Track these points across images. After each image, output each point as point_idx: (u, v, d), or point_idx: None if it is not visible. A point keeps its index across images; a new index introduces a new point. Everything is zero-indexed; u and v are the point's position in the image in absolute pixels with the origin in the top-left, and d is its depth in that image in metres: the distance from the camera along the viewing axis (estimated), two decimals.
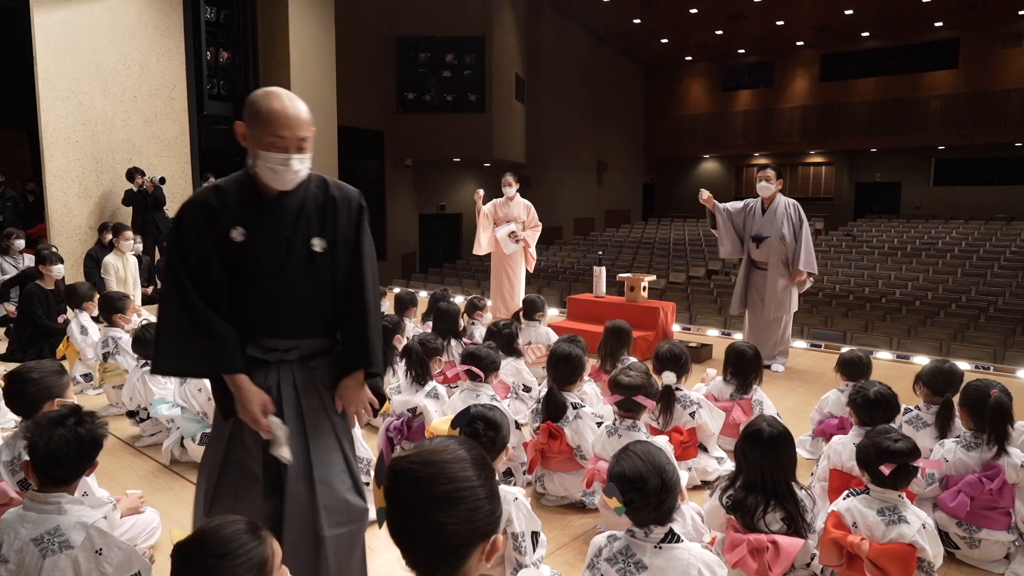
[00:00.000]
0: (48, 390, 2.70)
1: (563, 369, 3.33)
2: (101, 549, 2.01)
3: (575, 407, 3.21)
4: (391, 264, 16.34)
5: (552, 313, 7.91)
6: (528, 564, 2.24)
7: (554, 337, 5.28)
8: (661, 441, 2.87)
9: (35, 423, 2.14)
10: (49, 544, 1.98)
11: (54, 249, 6.37)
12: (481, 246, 7.31)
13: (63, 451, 2.06)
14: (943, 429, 3.13)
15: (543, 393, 3.41)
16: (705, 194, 5.74)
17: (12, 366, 5.51)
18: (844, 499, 2.41)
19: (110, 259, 7.01)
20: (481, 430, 2.32)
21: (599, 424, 3.17)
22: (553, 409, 3.22)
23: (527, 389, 4.38)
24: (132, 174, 8.68)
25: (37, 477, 2.09)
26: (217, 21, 10.56)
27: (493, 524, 1.17)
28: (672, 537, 1.93)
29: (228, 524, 1.53)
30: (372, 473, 3.13)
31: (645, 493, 1.90)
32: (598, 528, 3.01)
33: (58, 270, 6.05)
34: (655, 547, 1.91)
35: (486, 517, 1.14)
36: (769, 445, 2.35)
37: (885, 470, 2.27)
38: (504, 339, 4.46)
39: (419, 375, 3.70)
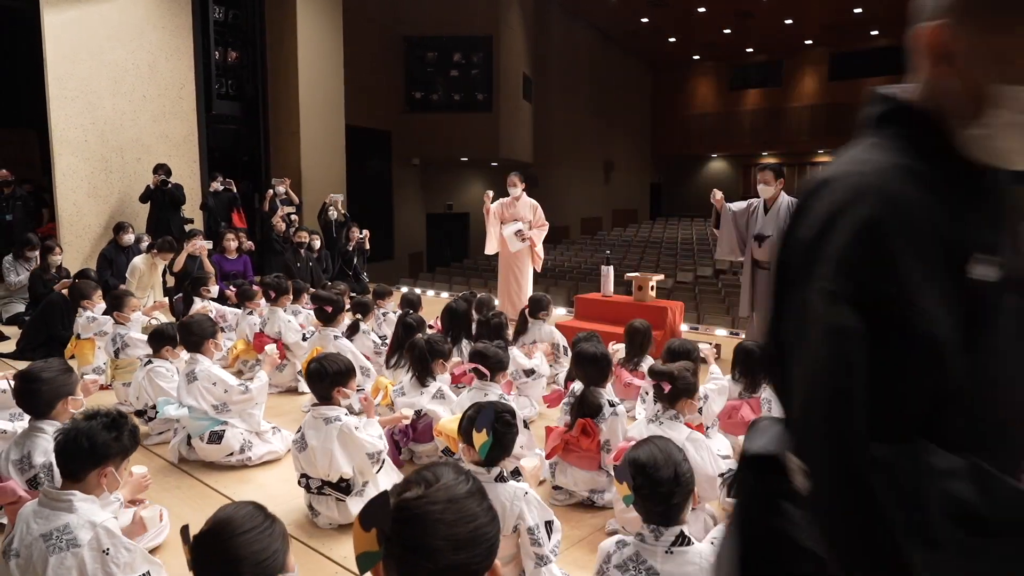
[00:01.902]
0: (59, 389, 2.72)
1: (593, 370, 3.32)
2: (108, 549, 2.01)
3: (612, 404, 3.22)
4: (398, 263, 16.36)
5: (559, 312, 7.89)
6: (546, 553, 2.24)
7: (559, 336, 5.27)
8: (710, 442, 2.91)
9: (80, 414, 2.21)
10: (57, 541, 1.98)
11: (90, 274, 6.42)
12: (491, 246, 7.33)
13: (76, 446, 2.10)
14: None
15: (577, 388, 3.39)
16: (718, 195, 5.75)
17: (22, 364, 5.56)
18: None
19: (140, 263, 6.89)
20: (510, 419, 2.35)
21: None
22: (588, 410, 3.21)
23: (529, 373, 4.37)
24: (157, 169, 8.66)
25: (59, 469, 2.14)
26: (225, 21, 10.59)
27: (496, 552, 1.14)
28: (683, 540, 1.89)
29: (241, 506, 1.65)
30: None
31: (655, 481, 1.88)
32: (607, 527, 3.00)
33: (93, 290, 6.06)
34: (666, 552, 1.88)
35: (496, 545, 1.12)
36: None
37: None
38: (492, 329, 4.46)
39: (421, 375, 3.70)
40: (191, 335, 3.82)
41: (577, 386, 3.40)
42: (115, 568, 2.01)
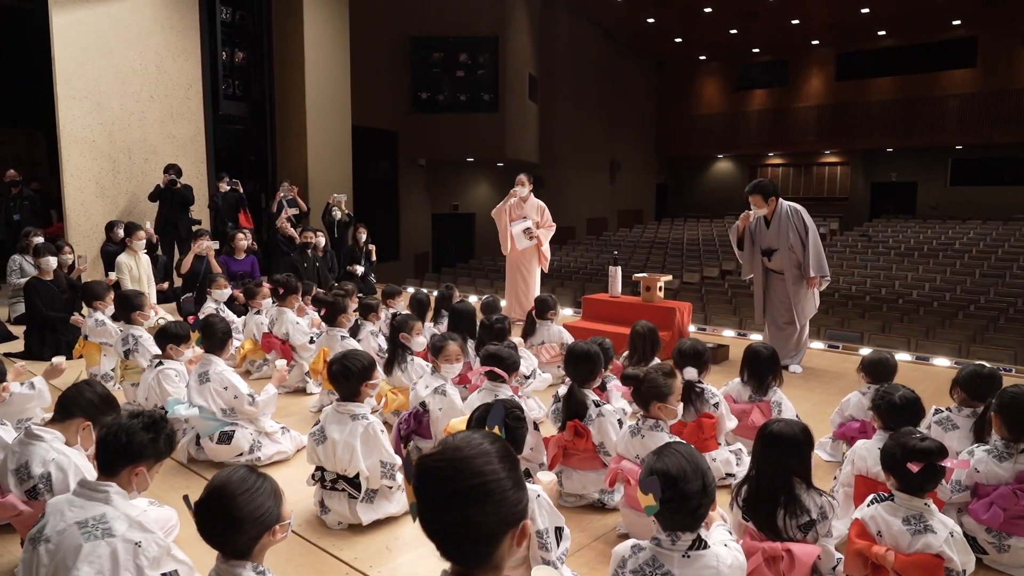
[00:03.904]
0: (88, 410, 2.72)
1: (582, 368, 3.30)
2: (140, 542, 2.05)
3: (596, 405, 3.19)
4: (403, 264, 16.36)
5: (566, 313, 7.88)
6: (553, 560, 2.22)
7: (567, 336, 5.26)
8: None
9: (126, 411, 2.29)
10: (92, 529, 2.03)
11: (46, 242, 6.44)
12: (506, 245, 7.36)
13: (115, 440, 2.16)
14: (980, 434, 3.03)
15: (561, 392, 3.39)
16: (751, 216, 5.64)
17: (32, 364, 5.58)
18: (868, 506, 2.34)
19: (123, 258, 7.03)
20: (520, 415, 2.37)
21: (620, 421, 3.15)
22: (575, 408, 3.19)
23: (525, 377, 4.37)
24: (168, 169, 8.70)
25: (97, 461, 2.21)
26: (232, 22, 10.61)
27: (521, 511, 1.20)
28: (700, 544, 1.86)
29: (236, 470, 1.87)
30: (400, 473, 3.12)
31: (685, 494, 1.83)
32: (617, 530, 2.99)
33: (47, 262, 6.06)
34: (683, 556, 1.85)
35: (513, 506, 1.17)
36: (777, 445, 2.31)
37: (913, 468, 2.20)
38: (495, 334, 4.44)
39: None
40: (215, 335, 3.82)
41: (562, 390, 3.39)
42: (144, 561, 2.05)
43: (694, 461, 1.90)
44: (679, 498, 1.83)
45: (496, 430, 2.25)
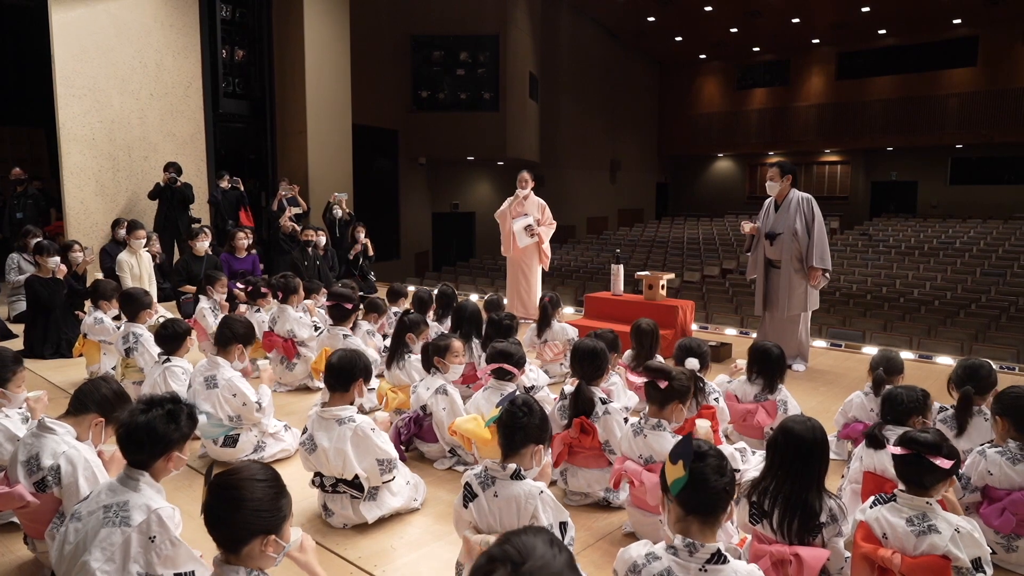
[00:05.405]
0: (103, 407, 2.70)
1: (588, 365, 3.28)
2: (154, 537, 2.04)
3: (603, 402, 3.18)
4: (404, 263, 16.34)
5: (567, 312, 7.86)
6: None
7: (571, 333, 5.24)
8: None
9: (138, 404, 2.26)
10: (113, 516, 2.04)
11: (51, 241, 6.40)
12: (507, 248, 7.34)
13: (136, 440, 2.15)
14: (961, 423, 3.12)
15: (567, 389, 3.37)
16: (747, 227, 5.70)
17: (32, 362, 5.55)
18: (871, 507, 2.31)
19: (124, 257, 7.01)
20: (517, 412, 2.34)
21: (626, 420, 3.14)
22: (582, 405, 3.17)
23: (528, 389, 4.32)
24: (168, 168, 8.68)
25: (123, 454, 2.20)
26: (232, 19, 10.59)
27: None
28: (719, 558, 1.78)
29: (264, 465, 1.90)
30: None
31: (709, 463, 1.82)
32: (623, 528, 2.97)
33: (53, 262, 6.03)
34: (700, 569, 1.77)
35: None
36: (799, 447, 2.29)
37: (895, 451, 2.21)
38: (503, 331, 4.40)
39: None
40: (224, 331, 3.81)
41: (567, 389, 3.37)
42: (155, 558, 2.04)
43: (714, 445, 1.92)
44: (703, 469, 1.81)
45: (493, 428, 2.33)
